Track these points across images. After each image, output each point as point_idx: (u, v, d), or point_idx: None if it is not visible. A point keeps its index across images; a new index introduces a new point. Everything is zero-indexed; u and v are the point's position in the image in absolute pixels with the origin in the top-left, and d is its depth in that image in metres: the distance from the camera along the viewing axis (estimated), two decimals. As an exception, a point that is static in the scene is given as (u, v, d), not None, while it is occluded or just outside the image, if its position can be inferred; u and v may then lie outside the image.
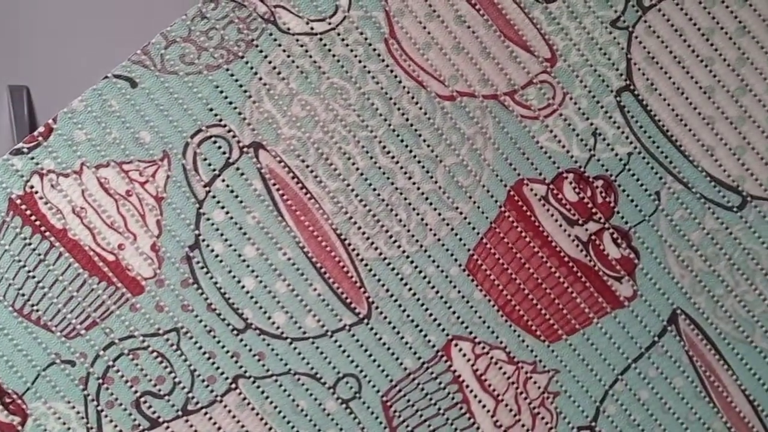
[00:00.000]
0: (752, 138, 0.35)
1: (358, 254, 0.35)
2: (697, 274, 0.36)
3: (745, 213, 0.36)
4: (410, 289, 0.35)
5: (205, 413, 0.34)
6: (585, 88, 0.35)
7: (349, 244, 0.35)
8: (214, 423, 0.34)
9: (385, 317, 0.35)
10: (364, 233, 0.35)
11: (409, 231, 0.35)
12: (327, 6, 0.34)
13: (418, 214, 0.35)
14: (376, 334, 0.35)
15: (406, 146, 0.35)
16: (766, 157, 0.35)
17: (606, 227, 0.36)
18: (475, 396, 0.36)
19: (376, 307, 0.35)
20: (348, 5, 0.34)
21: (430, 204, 0.35)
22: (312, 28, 0.34)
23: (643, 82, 0.35)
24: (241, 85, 0.34)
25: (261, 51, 0.34)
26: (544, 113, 0.35)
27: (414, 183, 0.35)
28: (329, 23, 0.34)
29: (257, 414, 0.34)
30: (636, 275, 0.36)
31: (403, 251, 0.35)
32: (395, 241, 0.35)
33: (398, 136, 0.35)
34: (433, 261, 0.35)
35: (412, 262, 0.35)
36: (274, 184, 0.35)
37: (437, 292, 0.35)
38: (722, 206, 0.36)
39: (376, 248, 0.35)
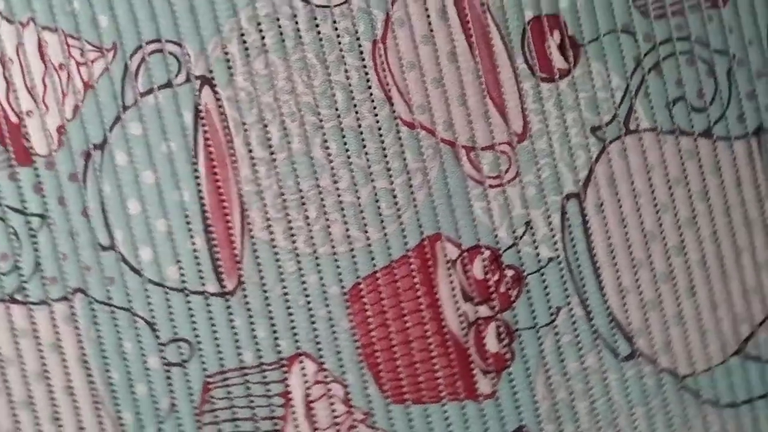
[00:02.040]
0: (666, 299, 0.44)
1: (251, 230, 0.43)
2: (557, 403, 0.44)
3: (628, 366, 0.44)
4: (284, 288, 0.43)
5: (30, 309, 0.41)
6: (538, 178, 0.44)
7: (248, 217, 0.42)
8: (33, 323, 0.41)
9: (248, 303, 0.43)
10: (266, 213, 0.42)
11: (310, 231, 0.43)
12: (336, -17, 0.41)
13: (327, 219, 0.43)
14: (231, 314, 0.43)
15: (347, 150, 0.43)
16: (670, 322, 0.44)
17: (496, 318, 0.44)
18: (295, 419, 0.43)
19: (244, 289, 0.43)
20: (355, -8, 0.42)
21: (343, 216, 0.43)
22: (311, -3, 0.41)
23: (595, 198, 0.44)
24: (217, 17, 0.41)
25: (253, -6, 0.41)
26: (490, 182, 0.44)
27: (338, 188, 0.43)
28: (328, 0, 0.42)
29: (78, 335, 0.41)
30: (502, 377, 0.44)
31: (295, 248, 0.43)
32: (293, 235, 0.43)
33: (344, 137, 0.43)
34: (319, 271, 0.43)
35: (298, 262, 0.43)
36: (204, 125, 0.42)
37: (308, 303, 0.43)
38: (610, 349, 0.44)
39: (272, 233, 0.43)
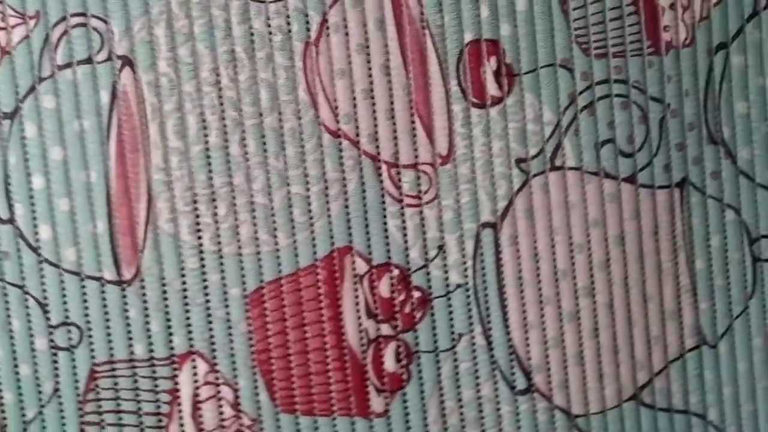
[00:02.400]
0: (568, 338, 0.45)
1: (156, 220, 0.43)
2: (448, 428, 0.45)
3: (522, 400, 0.46)
4: (184, 283, 0.43)
5: None
6: (457, 203, 0.45)
7: (154, 206, 0.43)
8: None
9: (144, 294, 0.43)
10: (174, 205, 0.43)
11: (218, 229, 0.43)
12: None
13: (236, 219, 0.43)
14: (126, 303, 0.43)
15: (265, 151, 0.43)
16: (569, 361, 0.46)
17: (397, 338, 0.45)
18: (181, 418, 0.44)
19: (142, 280, 0.43)
20: (293, -10, 0.42)
21: (254, 217, 0.43)
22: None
23: (511, 230, 0.45)
24: None
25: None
26: (408, 201, 0.44)
27: (251, 188, 0.43)
28: None
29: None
30: (396, 397, 0.45)
31: (200, 245, 0.43)
32: (199, 231, 0.43)
33: (263, 137, 0.43)
34: (222, 271, 0.44)
35: (202, 259, 0.43)
36: (120, 107, 0.42)
37: (207, 302, 0.44)
38: (507, 382, 0.46)
39: (177, 226, 0.43)
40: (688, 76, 0.44)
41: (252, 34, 0.41)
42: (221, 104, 0.41)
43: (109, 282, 0.41)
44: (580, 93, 0.43)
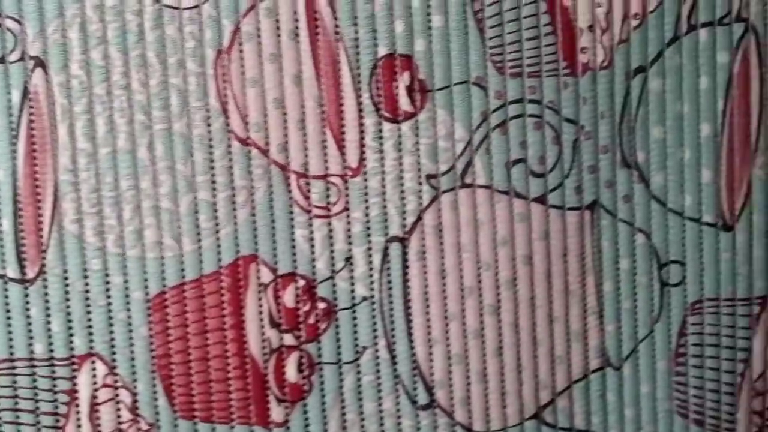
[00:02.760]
0: (472, 355, 0.47)
1: (61, 220, 0.45)
2: None
3: (424, 415, 0.48)
4: (86, 285, 0.45)
5: None
6: (366, 215, 0.47)
7: (60, 207, 0.45)
8: None
9: (46, 293, 0.45)
10: (80, 206, 0.45)
11: (122, 232, 0.45)
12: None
13: (141, 222, 0.45)
14: (27, 302, 0.45)
15: (173, 157, 0.45)
16: (472, 378, 0.47)
17: (300, 348, 0.47)
18: (78, 420, 0.46)
19: (44, 279, 0.45)
20: (208, -3, 0.44)
21: (158, 221, 0.45)
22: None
23: (418, 245, 0.47)
24: (62, 0, 0.43)
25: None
26: (316, 212, 0.46)
27: (157, 193, 0.45)
28: (181, 1, 0.44)
29: None
30: (297, 407, 0.47)
31: (104, 246, 0.45)
32: (102, 233, 0.45)
33: (172, 141, 0.45)
34: (125, 273, 0.45)
35: (105, 261, 0.45)
36: (31, 107, 0.44)
37: (109, 304, 0.45)
38: (409, 396, 0.48)
39: (81, 227, 0.45)
40: (604, 98, 0.46)
41: (164, 40, 0.43)
42: (131, 108, 0.43)
43: (12, 280, 0.43)
44: (493, 111, 0.45)
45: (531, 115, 0.46)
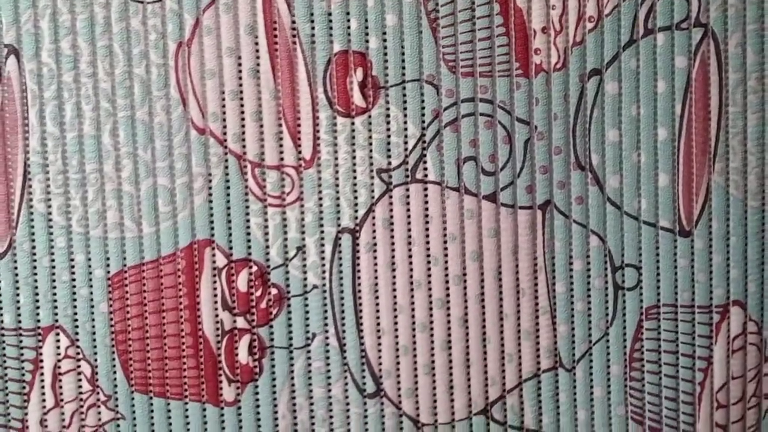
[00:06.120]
0: (420, 348, 0.52)
1: (30, 199, 0.51)
2: (297, 423, 0.52)
3: (371, 403, 0.52)
4: (52, 260, 0.51)
5: None
6: (319, 206, 0.51)
7: (30, 186, 0.51)
8: None
9: (16, 267, 0.51)
10: (48, 187, 0.51)
11: (86, 212, 0.51)
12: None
13: (104, 204, 0.51)
14: None
15: (135, 143, 0.51)
16: (420, 370, 0.52)
17: (252, 332, 0.52)
18: (42, 388, 0.52)
19: (14, 254, 0.51)
20: (171, -8, 0.50)
21: (120, 204, 0.51)
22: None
23: (369, 238, 0.52)
24: None
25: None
26: (270, 201, 0.51)
27: (119, 176, 0.51)
28: None
29: None
30: (248, 388, 0.52)
31: (69, 225, 0.51)
32: (68, 213, 0.51)
33: (134, 129, 0.51)
34: (88, 252, 0.51)
35: (70, 239, 0.51)
36: (4, 92, 0.50)
37: (73, 280, 0.51)
38: (357, 384, 0.52)
39: (49, 206, 0.51)
40: (557, 99, 0.49)
41: (129, 32, 0.49)
42: (96, 95, 0.49)
43: (-17, 254, 0.49)
44: (445, 109, 0.49)
45: (483, 114, 0.49)
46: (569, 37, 0.50)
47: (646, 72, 0.50)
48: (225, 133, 0.50)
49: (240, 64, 0.50)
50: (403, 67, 0.50)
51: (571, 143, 0.50)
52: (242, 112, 0.50)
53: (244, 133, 0.51)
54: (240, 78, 0.50)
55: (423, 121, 0.50)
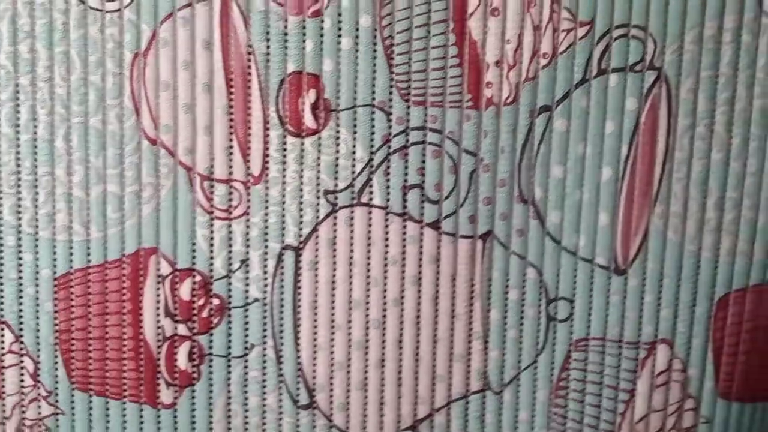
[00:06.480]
0: (354, 365, 0.53)
1: None
2: (231, 429, 0.54)
3: (303, 415, 0.54)
4: (0, 258, 0.53)
5: None
6: (264, 222, 0.53)
7: None
8: None
9: None
10: (0, 186, 0.52)
11: (36, 213, 0.52)
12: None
13: (53, 207, 0.52)
14: None
15: (87, 149, 0.52)
16: (353, 386, 0.54)
17: (192, 339, 0.54)
18: None
19: None
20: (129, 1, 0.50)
21: (70, 207, 0.52)
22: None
23: (312, 256, 0.53)
24: None
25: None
26: (217, 214, 0.53)
27: (70, 181, 0.52)
28: (105, 4, 0.50)
29: None
30: (185, 392, 0.54)
31: (19, 225, 0.52)
32: (19, 213, 0.52)
33: (87, 135, 0.52)
34: (36, 251, 0.53)
35: (19, 239, 0.52)
36: None
37: (20, 278, 0.53)
38: (291, 396, 0.54)
39: (0, 206, 0.52)
40: (505, 133, 0.50)
41: (86, 39, 0.49)
42: (51, 100, 0.50)
43: (-68, 247, 0.51)
44: (394, 136, 0.50)
45: (431, 143, 0.50)
46: (522, 72, 0.51)
47: (595, 112, 0.51)
48: (176, 145, 0.52)
49: (194, 78, 0.51)
50: (356, 92, 0.51)
51: (516, 177, 0.52)
52: (194, 125, 0.51)
53: (195, 146, 0.52)
54: (194, 92, 0.51)
55: (372, 146, 0.52)
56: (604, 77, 0.51)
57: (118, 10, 0.50)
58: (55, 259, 0.52)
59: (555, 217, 0.52)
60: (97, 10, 0.50)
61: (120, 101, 0.51)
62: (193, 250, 0.52)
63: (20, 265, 0.52)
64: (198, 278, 0.53)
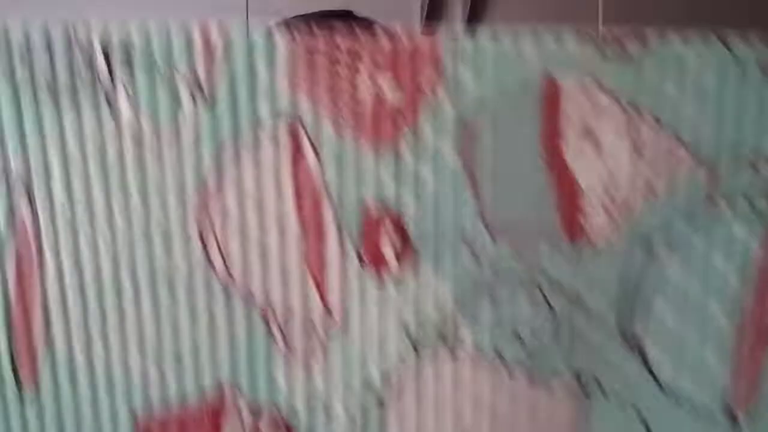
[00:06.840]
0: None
1: (53, 342, 0.50)
2: None
3: None
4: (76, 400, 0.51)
5: None
6: (346, 366, 0.49)
7: (51, 329, 0.50)
8: None
9: (42, 408, 0.51)
10: (69, 327, 0.50)
11: (108, 352, 0.50)
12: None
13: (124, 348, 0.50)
14: (25, 416, 0.51)
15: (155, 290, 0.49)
16: None
17: None
18: None
19: (38, 394, 0.51)
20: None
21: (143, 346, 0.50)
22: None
23: (397, 404, 0.49)
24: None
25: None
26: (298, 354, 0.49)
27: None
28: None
29: None
30: None
31: (91, 362, 0.50)
32: (89, 349, 0.50)
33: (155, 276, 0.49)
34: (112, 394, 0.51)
35: (92, 374, 0.51)
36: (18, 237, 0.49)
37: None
38: None
39: (71, 345, 0.50)
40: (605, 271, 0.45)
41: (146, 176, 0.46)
42: (113, 233, 0.47)
43: (15, 397, 0.49)
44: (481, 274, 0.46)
45: (522, 282, 0.45)
46: (624, 204, 0.45)
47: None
48: (252, 286, 0.48)
49: (264, 218, 0.47)
50: (441, 229, 0.46)
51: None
52: (269, 266, 0.48)
53: (270, 289, 0.48)
54: (263, 230, 0.47)
55: (458, 286, 0.47)
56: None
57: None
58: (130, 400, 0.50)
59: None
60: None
61: (188, 242, 0.48)
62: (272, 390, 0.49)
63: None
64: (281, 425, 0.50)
